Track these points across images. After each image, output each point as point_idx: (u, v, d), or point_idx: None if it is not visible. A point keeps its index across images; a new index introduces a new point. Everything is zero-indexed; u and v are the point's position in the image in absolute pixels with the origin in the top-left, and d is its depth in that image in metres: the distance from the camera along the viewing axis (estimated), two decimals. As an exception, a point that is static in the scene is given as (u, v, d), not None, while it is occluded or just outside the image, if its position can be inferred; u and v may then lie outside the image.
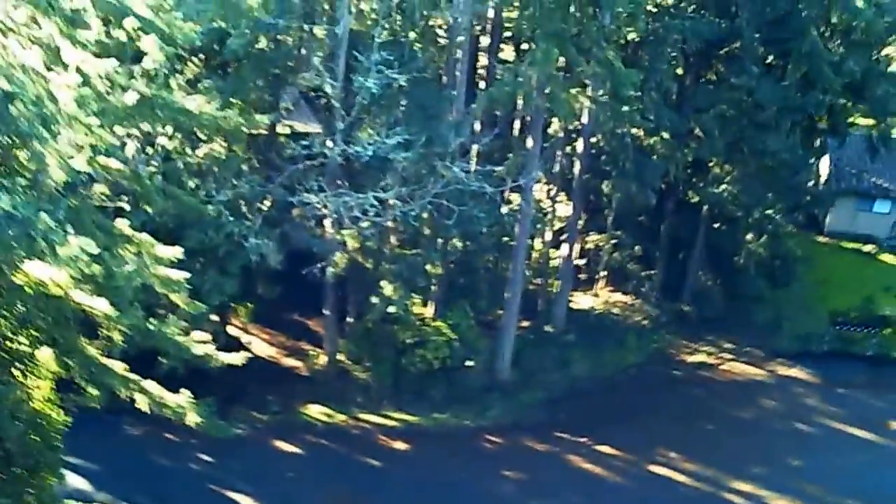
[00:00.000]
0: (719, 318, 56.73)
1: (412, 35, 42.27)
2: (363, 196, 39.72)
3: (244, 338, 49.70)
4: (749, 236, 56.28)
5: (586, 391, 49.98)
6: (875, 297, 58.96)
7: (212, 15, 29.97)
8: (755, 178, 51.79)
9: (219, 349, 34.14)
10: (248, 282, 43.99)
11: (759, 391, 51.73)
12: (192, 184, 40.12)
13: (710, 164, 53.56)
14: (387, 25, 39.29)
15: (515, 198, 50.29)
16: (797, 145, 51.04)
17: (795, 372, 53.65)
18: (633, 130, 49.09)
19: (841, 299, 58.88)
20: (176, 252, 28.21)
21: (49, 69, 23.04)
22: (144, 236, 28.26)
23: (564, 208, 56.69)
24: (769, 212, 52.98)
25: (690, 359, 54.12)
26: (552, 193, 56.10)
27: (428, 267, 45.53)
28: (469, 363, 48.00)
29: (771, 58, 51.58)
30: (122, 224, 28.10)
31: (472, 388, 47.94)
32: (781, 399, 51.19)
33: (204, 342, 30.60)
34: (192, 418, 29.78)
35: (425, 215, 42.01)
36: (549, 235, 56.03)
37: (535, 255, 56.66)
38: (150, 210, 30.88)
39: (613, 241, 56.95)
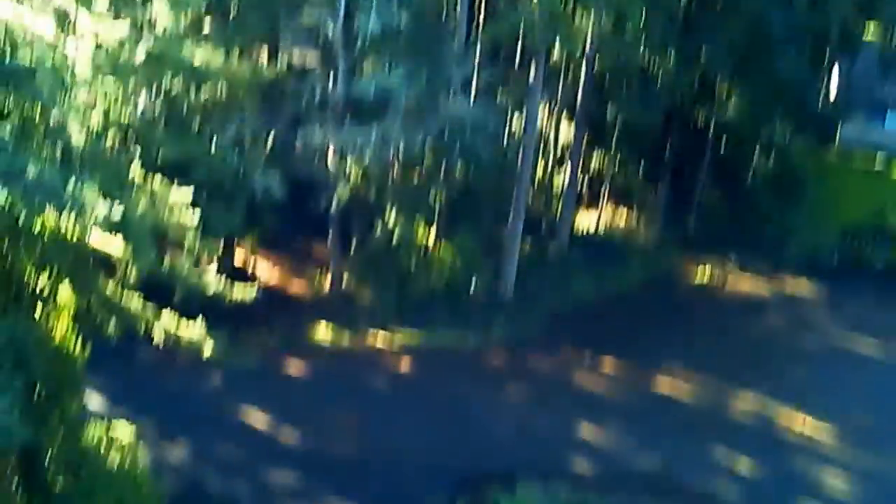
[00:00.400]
0: (725, 234, 59.36)
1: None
2: (366, 130, 42.54)
3: (250, 263, 52.94)
4: (757, 153, 58.78)
5: (590, 311, 52.91)
6: (886, 211, 61.36)
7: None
8: (763, 97, 53.94)
9: (225, 277, 37.41)
10: (254, 212, 47.06)
11: (764, 307, 54.55)
12: (196, 122, 43.02)
13: (718, 85, 55.61)
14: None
15: (518, 120, 52.79)
16: (806, 65, 53.16)
17: (803, 287, 56.42)
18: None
19: (851, 213, 61.16)
20: (187, 195, 31.29)
21: (64, 35, 25.87)
22: (158, 181, 31.29)
23: (567, 128, 59.18)
24: (778, 130, 55.07)
25: (695, 276, 57.02)
26: (555, 114, 58.45)
27: (431, 193, 48.40)
28: (472, 285, 51.11)
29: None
30: (135, 169, 31.13)
31: (476, 308, 50.98)
32: (788, 315, 53.92)
33: (216, 276, 33.93)
34: (208, 350, 33.14)
35: (428, 146, 44.65)
36: (552, 156, 58.73)
37: (538, 176, 59.28)
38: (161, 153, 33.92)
39: (617, 161, 59.47)
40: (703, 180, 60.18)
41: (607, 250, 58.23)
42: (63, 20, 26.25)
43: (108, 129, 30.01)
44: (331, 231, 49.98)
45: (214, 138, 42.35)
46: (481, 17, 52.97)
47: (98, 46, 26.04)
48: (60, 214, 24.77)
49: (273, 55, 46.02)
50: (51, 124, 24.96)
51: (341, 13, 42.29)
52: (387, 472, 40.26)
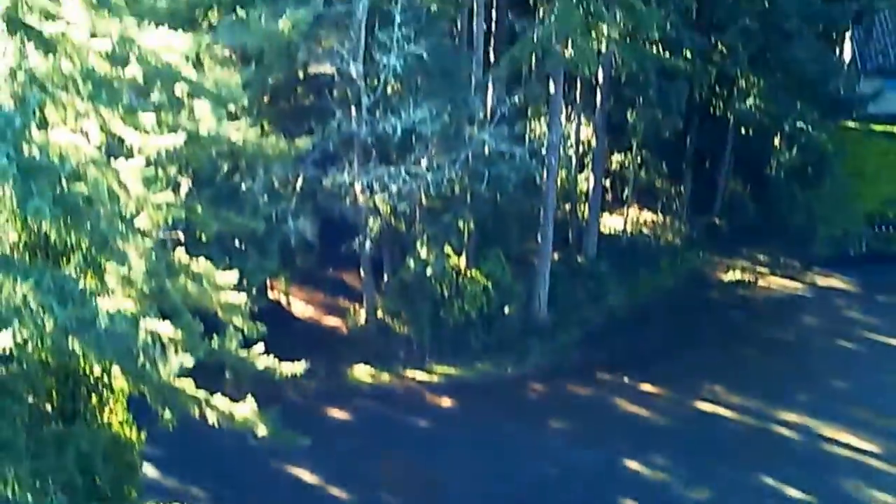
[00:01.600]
0: (752, 227, 60.01)
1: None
2: (393, 168, 43.36)
3: (283, 299, 53.65)
4: (778, 142, 59.18)
5: (623, 324, 53.71)
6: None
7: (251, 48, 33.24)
8: (783, 88, 54.30)
9: (259, 318, 37.82)
10: (287, 253, 47.77)
11: (797, 307, 55.42)
12: (225, 167, 43.54)
13: (736, 78, 55.99)
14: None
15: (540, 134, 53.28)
16: (825, 53, 53.57)
17: (834, 281, 57.17)
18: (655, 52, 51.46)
19: (875, 191, 62.12)
20: (233, 277, 31.85)
21: (113, 156, 26.30)
22: (203, 264, 31.80)
23: (588, 132, 59.63)
24: (800, 123, 55.47)
25: (726, 277, 57.80)
26: (574, 118, 58.81)
27: (460, 221, 49.16)
28: (506, 309, 51.79)
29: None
30: (180, 255, 31.65)
31: (511, 334, 51.70)
32: (821, 314, 54.75)
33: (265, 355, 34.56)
34: (262, 430, 33.80)
35: (455, 176, 45.39)
36: (574, 161, 59.20)
37: (560, 180, 59.66)
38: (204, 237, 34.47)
39: (639, 160, 59.94)
40: (727, 172, 60.84)
41: (636, 253, 58.95)
42: (111, 137, 26.76)
43: (156, 227, 30.53)
44: (362, 264, 50.74)
45: (240, 183, 43.14)
46: (495, 39, 53.46)
47: (148, 162, 26.40)
48: (131, 364, 25.28)
49: (295, 98, 46.64)
50: (110, 254, 25.38)
51: (361, 51, 42.88)
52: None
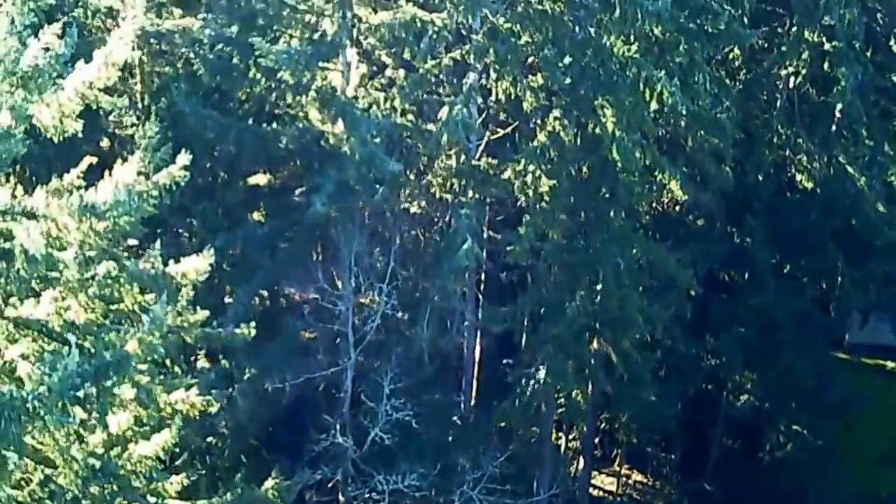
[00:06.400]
0: (742, 493, 56.92)
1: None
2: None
3: None
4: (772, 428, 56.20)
5: None
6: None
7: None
8: (778, 388, 51.48)
9: None
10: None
11: None
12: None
13: (729, 376, 53.13)
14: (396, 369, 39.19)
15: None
16: (821, 360, 50.77)
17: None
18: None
19: (865, 447, 58.76)
20: None
21: None
22: None
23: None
24: (795, 427, 52.79)
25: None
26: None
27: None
28: None
29: (788, 268, 50.87)
30: None
31: None
32: None
33: None
34: None
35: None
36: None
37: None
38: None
39: (632, 429, 56.73)
40: (719, 438, 57.72)
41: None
42: None
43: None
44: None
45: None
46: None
47: None
48: None
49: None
50: None
51: (347, 422, 40.12)
52: None
